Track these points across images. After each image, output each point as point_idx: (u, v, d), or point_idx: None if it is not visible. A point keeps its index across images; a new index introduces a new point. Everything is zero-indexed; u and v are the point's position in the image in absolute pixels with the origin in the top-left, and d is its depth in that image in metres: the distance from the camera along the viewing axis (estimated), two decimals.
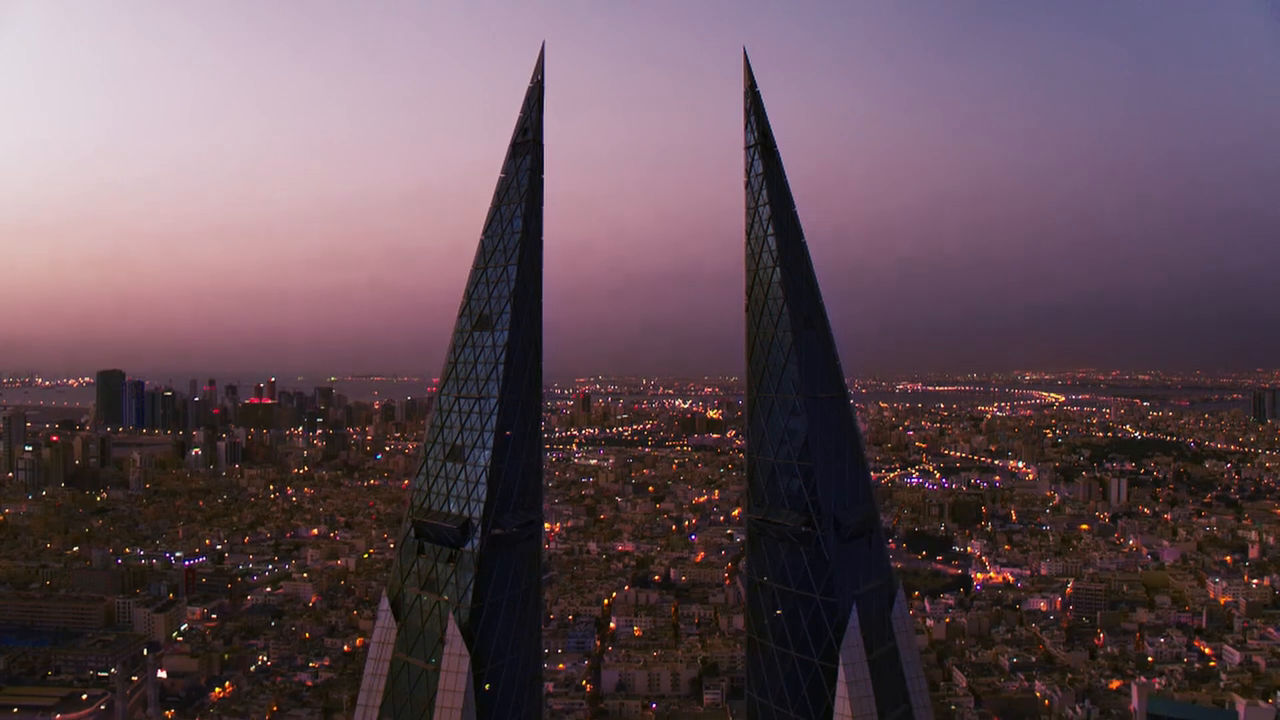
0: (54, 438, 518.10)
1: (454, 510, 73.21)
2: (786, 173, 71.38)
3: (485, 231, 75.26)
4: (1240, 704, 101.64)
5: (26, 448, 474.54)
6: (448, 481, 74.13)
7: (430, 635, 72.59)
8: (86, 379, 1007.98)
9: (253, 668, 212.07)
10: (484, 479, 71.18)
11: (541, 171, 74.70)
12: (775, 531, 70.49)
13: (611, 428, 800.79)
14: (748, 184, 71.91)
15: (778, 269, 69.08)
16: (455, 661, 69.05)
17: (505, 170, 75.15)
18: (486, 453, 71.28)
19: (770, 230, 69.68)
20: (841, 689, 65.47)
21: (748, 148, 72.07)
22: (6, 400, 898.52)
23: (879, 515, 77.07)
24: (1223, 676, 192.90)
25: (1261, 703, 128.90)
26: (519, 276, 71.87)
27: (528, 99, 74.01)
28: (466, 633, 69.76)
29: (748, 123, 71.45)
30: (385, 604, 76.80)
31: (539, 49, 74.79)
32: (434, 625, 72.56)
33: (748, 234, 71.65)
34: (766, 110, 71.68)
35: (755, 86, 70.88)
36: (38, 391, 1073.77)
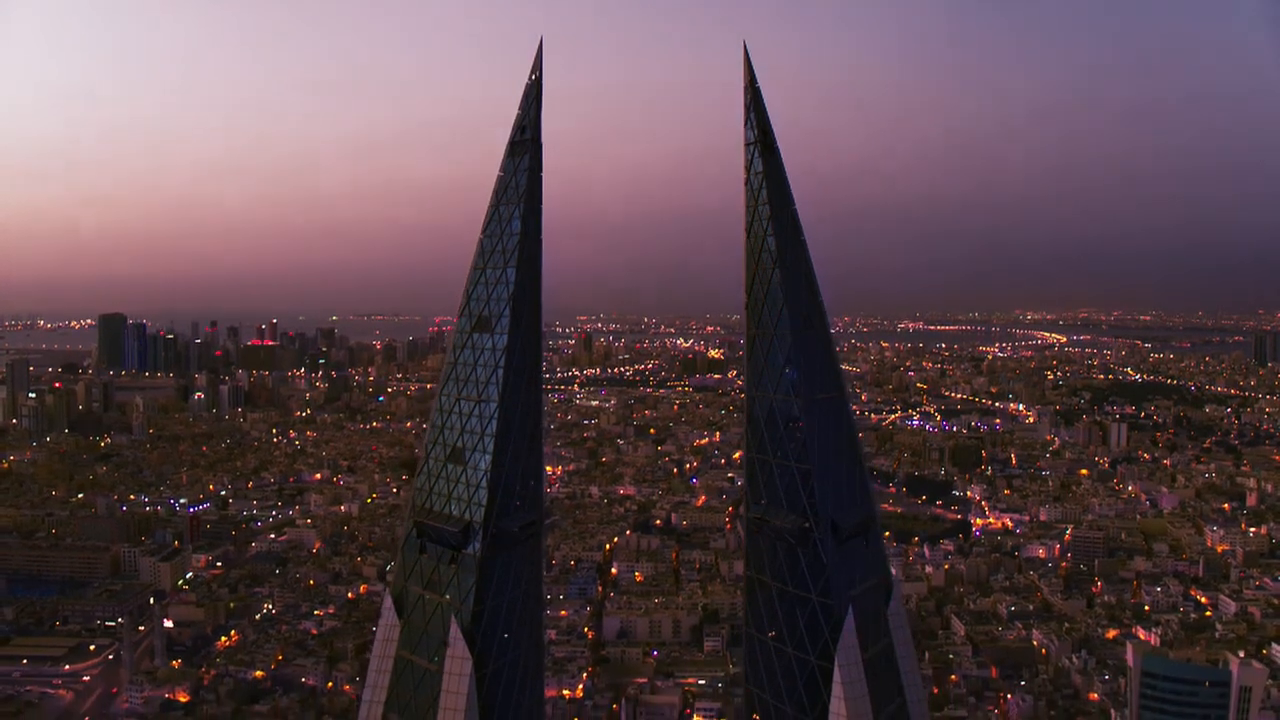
0: (57, 384, 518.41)
1: (455, 513, 73.27)
2: (789, 169, 70.35)
3: (484, 230, 74.55)
4: (1234, 662, 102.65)
5: (30, 394, 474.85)
6: (449, 483, 74.22)
7: (432, 635, 73.17)
8: (88, 321, 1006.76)
9: (258, 616, 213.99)
10: (485, 483, 71.27)
11: (540, 170, 73.71)
12: (773, 531, 70.89)
13: (613, 368, 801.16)
14: (747, 181, 71.16)
15: (777, 270, 68.75)
16: (458, 664, 69.83)
17: (503, 169, 74.15)
18: (487, 457, 71.26)
19: (770, 230, 69.21)
20: (837, 689, 66.30)
21: (747, 145, 71.15)
22: (9, 344, 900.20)
23: (876, 513, 77.34)
24: (1218, 627, 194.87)
25: (1255, 661, 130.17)
26: (518, 279, 71.42)
27: (525, 96, 72.74)
28: (468, 635, 70.35)
29: (747, 119, 70.45)
30: (388, 602, 77.35)
31: (537, 44, 73.25)
32: (436, 625, 73.09)
33: (748, 231, 71.15)
34: (767, 107, 70.90)
35: (755, 82, 69.84)
36: (40, 334, 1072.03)
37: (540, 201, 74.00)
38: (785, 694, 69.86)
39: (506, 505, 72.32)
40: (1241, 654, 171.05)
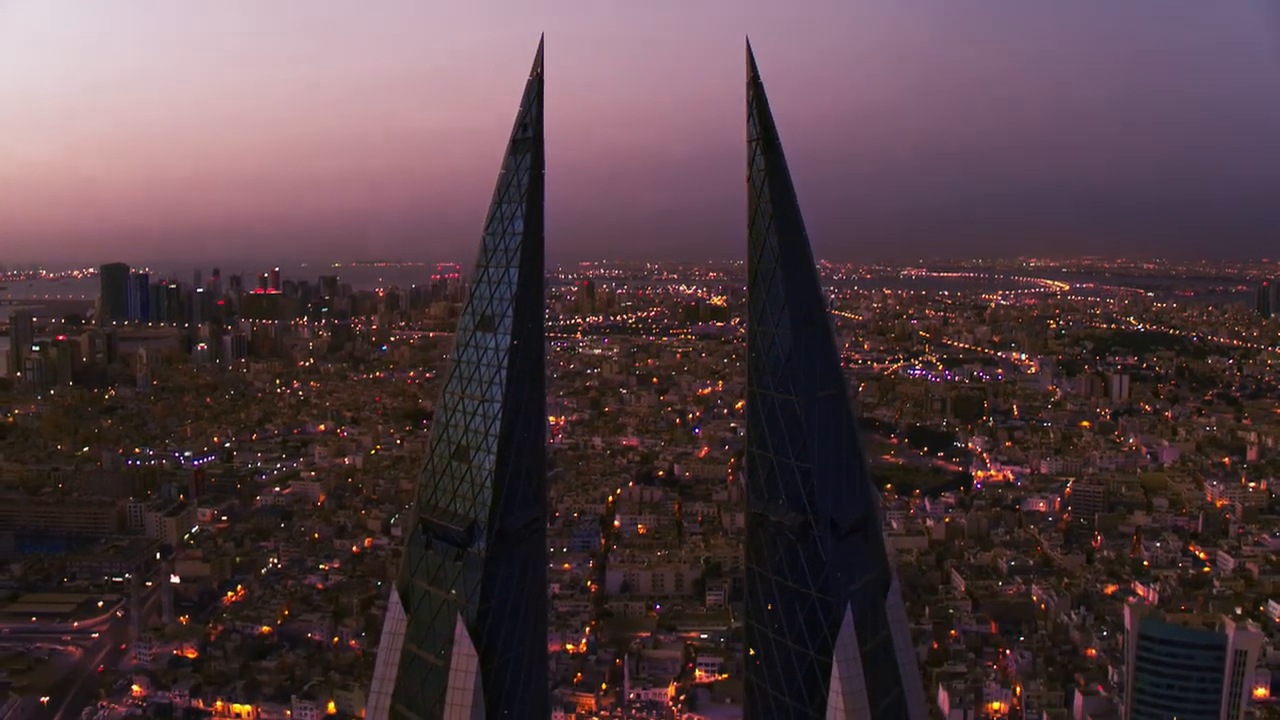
0: (60, 336, 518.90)
1: (460, 510, 73.83)
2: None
3: (486, 228, 74.38)
4: (1230, 626, 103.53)
5: (34, 347, 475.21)
6: (453, 480, 74.63)
7: (438, 630, 74.12)
8: (90, 270, 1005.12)
9: (263, 571, 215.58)
10: (489, 482, 71.77)
11: (542, 169, 73.23)
12: (774, 526, 71.53)
13: (616, 315, 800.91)
14: (750, 178, 70.84)
15: (779, 268, 68.71)
16: (464, 661, 70.93)
17: (505, 166, 73.74)
18: (491, 457, 71.64)
19: (772, 228, 69.03)
20: (835, 684, 67.44)
21: (750, 141, 70.71)
22: (12, 294, 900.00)
23: (877, 506, 77.57)
24: (1216, 584, 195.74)
25: (1250, 624, 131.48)
26: (520, 280, 71.49)
27: (527, 93, 72.08)
28: (474, 632, 71.34)
29: (750, 115, 69.93)
30: (395, 596, 78.12)
31: (538, 41, 72.52)
32: (442, 621, 73.99)
33: (750, 227, 70.96)
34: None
35: (758, 78, 69.20)
36: (43, 284, 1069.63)
37: (542, 200, 73.67)
38: (785, 685, 70.86)
39: (510, 503, 72.86)
40: (1239, 610, 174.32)
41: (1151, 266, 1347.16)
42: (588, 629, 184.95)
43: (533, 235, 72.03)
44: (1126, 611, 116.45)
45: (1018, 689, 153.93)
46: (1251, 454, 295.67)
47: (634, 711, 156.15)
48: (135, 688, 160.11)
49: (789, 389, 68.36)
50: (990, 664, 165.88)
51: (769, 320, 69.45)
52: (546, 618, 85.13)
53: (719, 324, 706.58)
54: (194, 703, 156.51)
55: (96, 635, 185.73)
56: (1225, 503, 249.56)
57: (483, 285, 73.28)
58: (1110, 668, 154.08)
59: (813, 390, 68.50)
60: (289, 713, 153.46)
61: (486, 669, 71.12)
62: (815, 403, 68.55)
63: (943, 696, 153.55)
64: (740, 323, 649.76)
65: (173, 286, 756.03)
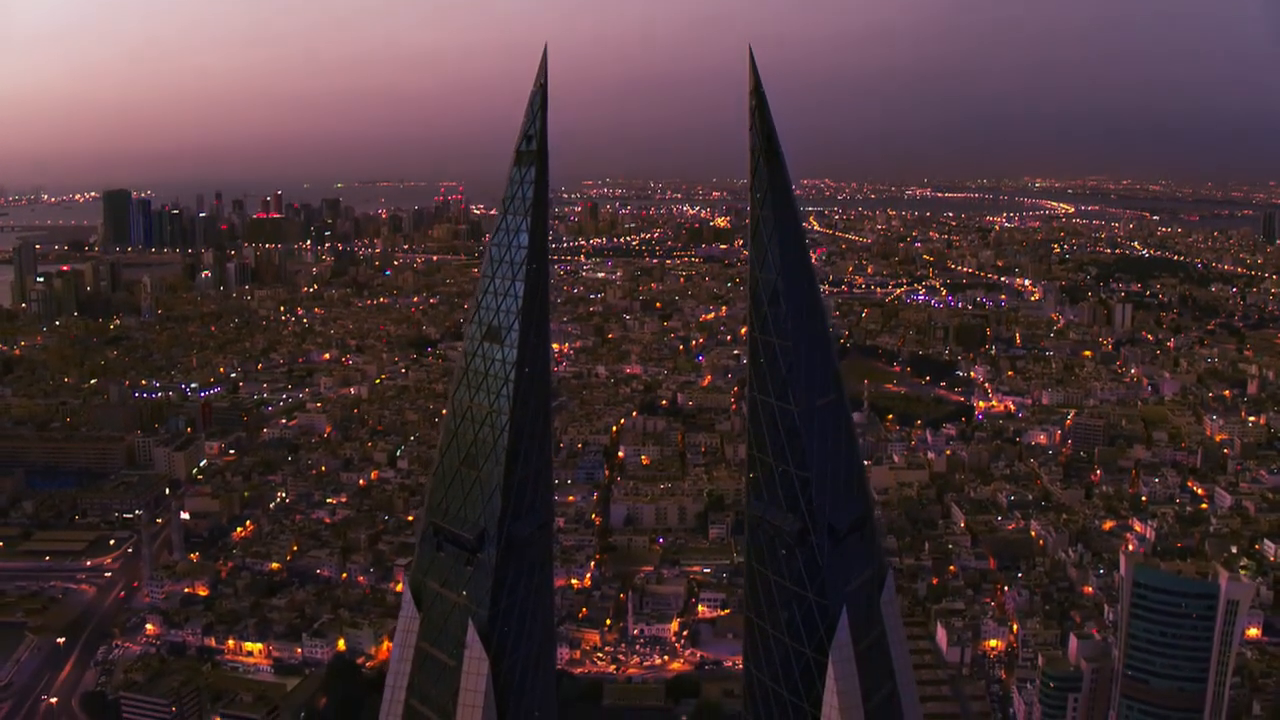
0: (64, 266, 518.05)
1: (469, 517, 75.16)
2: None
3: (492, 239, 74.63)
4: (1223, 576, 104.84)
5: (38, 278, 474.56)
6: (463, 487, 75.83)
7: (450, 632, 75.95)
8: (92, 194, 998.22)
9: (272, 505, 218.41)
10: (498, 492, 72.88)
11: (546, 181, 73.07)
12: (772, 528, 72.78)
13: (619, 236, 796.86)
14: (752, 189, 70.72)
15: (780, 277, 68.84)
16: (476, 664, 72.98)
17: (511, 179, 73.59)
18: (499, 468, 72.68)
19: (774, 238, 69.10)
20: (830, 683, 69.37)
21: (752, 151, 70.27)
22: (14, 220, 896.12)
23: (873, 508, 78.76)
24: (1213, 521, 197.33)
25: (1243, 575, 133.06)
26: (526, 293, 71.95)
27: (531, 104, 71.46)
28: (485, 637, 73.20)
29: (752, 124, 69.37)
30: (408, 594, 79.89)
31: (541, 51, 71.81)
32: (453, 622, 75.81)
33: (752, 236, 71.04)
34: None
35: (761, 87, 68.50)
36: (44, 209, 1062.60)
37: (546, 213, 73.87)
38: (783, 679, 72.81)
39: (518, 511, 74.23)
40: (1234, 549, 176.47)
41: (1157, 188, 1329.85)
42: (592, 564, 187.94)
43: (538, 248, 72.29)
44: (1122, 559, 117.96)
45: (1015, 627, 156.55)
46: (1252, 387, 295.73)
47: (638, 647, 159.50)
48: (149, 626, 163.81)
49: (788, 399, 69.03)
50: (988, 600, 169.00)
51: (770, 330, 69.84)
52: (553, 612, 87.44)
53: (723, 246, 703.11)
54: (206, 641, 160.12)
55: (109, 574, 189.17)
56: (1224, 437, 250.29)
57: (489, 296, 73.83)
58: (1106, 606, 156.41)
59: (812, 399, 69.32)
60: (300, 650, 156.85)
61: (497, 669, 73.35)
62: (814, 411, 69.43)
63: (941, 634, 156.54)
64: (744, 246, 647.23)
65: (175, 212, 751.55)
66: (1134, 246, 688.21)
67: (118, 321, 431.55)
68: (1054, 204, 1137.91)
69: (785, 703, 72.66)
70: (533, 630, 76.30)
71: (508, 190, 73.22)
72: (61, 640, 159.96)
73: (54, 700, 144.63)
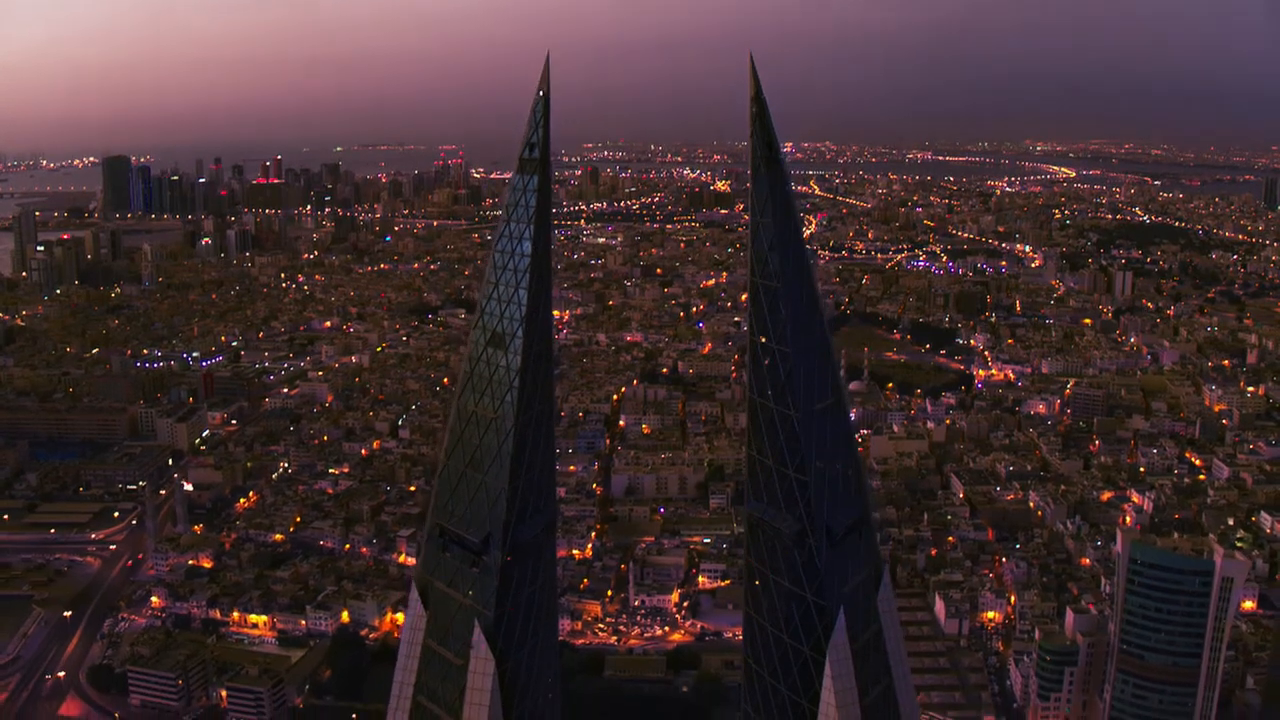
0: (64, 235, 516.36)
1: (474, 519, 76.00)
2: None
3: (496, 245, 74.82)
4: (1218, 553, 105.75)
5: (39, 247, 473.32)
6: (469, 489, 76.56)
7: (456, 631, 76.93)
8: (91, 159, 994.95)
9: (275, 476, 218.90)
10: (502, 497, 73.51)
11: (550, 188, 73.26)
12: (771, 529, 73.75)
13: (620, 201, 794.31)
14: (752, 195, 71.11)
15: (779, 284, 69.17)
16: (482, 664, 74.12)
17: (513, 186, 73.77)
18: (504, 473, 73.30)
19: (773, 244, 69.43)
20: (827, 680, 70.64)
21: (753, 157, 70.54)
22: (13, 186, 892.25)
23: (871, 509, 79.62)
24: (1210, 492, 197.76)
25: (1239, 549, 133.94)
26: (529, 300, 72.18)
27: (533, 112, 71.15)
28: (491, 638, 74.25)
29: (753, 132, 69.38)
30: (415, 593, 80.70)
31: (544, 59, 71.51)
32: (459, 623, 76.78)
33: (751, 244, 71.40)
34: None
35: (761, 94, 68.45)
36: (43, 175, 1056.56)
37: (550, 220, 74.02)
38: (781, 675, 74.11)
39: (522, 515, 74.94)
40: (1231, 521, 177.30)
41: (1159, 153, 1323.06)
42: (593, 534, 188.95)
43: (540, 257, 72.44)
44: (1119, 534, 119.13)
45: (1012, 598, 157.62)
46: (1251, 357, 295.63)
47: (639, 618, 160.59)
48: (154, 599, 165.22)
49: (787, 404, 69.58)
50: (986, 572, 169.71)
51: (770, 335, 70.31)
52: (558, 609, 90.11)
53: (723, 211, 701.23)
54: (211, 613, 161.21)
55: (114, 546, 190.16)
56: (1223, 408, 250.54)
57: (493, 302, 74.18)
58: (1103, 578, 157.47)
59: (811, 404, 69.91)
60: (304, 623, 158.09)
61: (503, 667, 74.42)
62: (813, 415, 70.06)
63: (939, 606, 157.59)
64: (744, 210, 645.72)
65: (175, 178, 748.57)
66: (1135, 212, 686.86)
67: (119, 290, 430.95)
68: (1055, 168, 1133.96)
69: (784, 699, 74.00)
70: (537, 627, 77.46)
71: (510, 197, 73.44)
72: (68, 614, 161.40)
73: (61, 675, 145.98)
